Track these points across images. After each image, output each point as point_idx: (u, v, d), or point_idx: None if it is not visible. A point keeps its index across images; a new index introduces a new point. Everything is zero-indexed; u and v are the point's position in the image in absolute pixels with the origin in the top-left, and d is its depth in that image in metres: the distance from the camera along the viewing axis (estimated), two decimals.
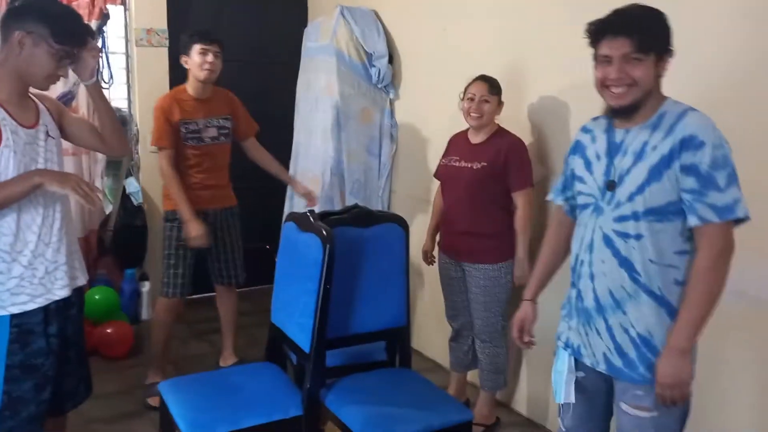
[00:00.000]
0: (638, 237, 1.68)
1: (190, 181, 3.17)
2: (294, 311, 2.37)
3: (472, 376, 3.19)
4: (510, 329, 2.11)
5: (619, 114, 1.72)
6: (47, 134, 1.99)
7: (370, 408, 2.19)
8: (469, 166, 2.83)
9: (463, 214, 2.83)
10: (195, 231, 3.06)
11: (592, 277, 1.78)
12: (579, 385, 1.87)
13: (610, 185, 1.73)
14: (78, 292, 2.12)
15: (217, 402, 2.23)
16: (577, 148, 1.89)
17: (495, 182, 2.78)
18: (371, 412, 2.17)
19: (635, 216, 1.68)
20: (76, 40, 1.93)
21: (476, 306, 2.89)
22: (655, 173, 1.65)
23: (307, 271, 2.29)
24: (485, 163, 2.79)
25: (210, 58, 3.09)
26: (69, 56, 1.93)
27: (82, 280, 2.12)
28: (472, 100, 2.82)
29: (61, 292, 2.00)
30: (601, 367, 1.78)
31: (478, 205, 2.79)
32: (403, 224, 2.51)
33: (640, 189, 1.67)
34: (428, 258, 3.16)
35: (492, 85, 2.83)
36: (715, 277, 1.64)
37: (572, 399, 1.86)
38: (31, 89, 2.00)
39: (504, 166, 2.76)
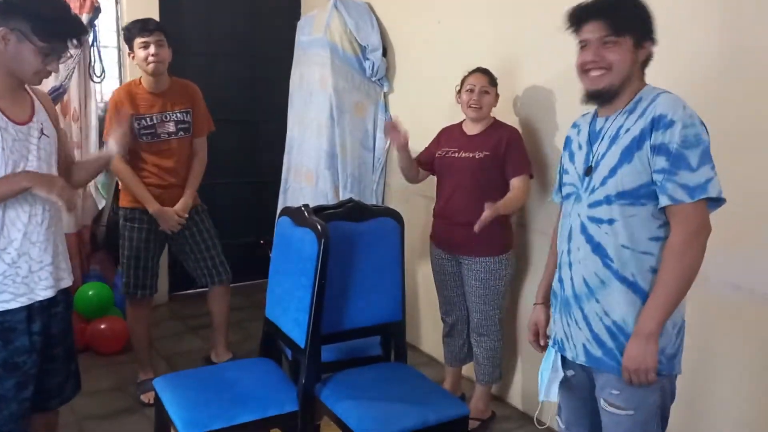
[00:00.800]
0: (611, 222, 1.67)
1: (147, 181, 3.04)
2: (289, 306, 2.36)
3: (468, 370, 3.19)
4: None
5: (594, 98, 1.72)
6: (41, 132, 1.96)
7: (366, 403, 2.18)
8: (472, 155, 2.82)
9: (465, 205, 2.81)
10: (169, 220, 3.02)
11: (570, 265, 1.77)
12: (568, 384, 1.86)
13: (588, 171, 1.74)
14: (64, 291, 2.09)
15: (212, 398, 2.22)
16: (566, 144, 1.90)
17: (496, 171, 2.79)
18: (367, 407, 2.17)
19: (608, 200, 1.67)
20: (59, 36, 1.89)
21: (474, 299, 2.88)
22: (627, 155, 1.64)
23: (301, 266, 2.27)
24: (488, 153, 2.79)
25: (152, 50, 2.94)
26: (55, 52, 1.89)
27: (67, 281, 2.09)
28: (471, 91, 2.82)
29: (44, 292, 1.97)
30: (581, 359, 1.77)
31: (480, 194, 2.77)
32: (397, 218, 2.50)
33: (612, 172, 1.67)
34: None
35: (491, 77, 2.84)
36: (688, 257, 1.60)
37: (553, 398, 1.85)
38: (42, 86, 2.02)
39: (504, 155, 2.77)
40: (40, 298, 1.97)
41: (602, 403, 1.74)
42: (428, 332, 3.68)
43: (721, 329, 2.24)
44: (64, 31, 1.90)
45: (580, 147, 1.80)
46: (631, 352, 1.63)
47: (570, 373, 1.85)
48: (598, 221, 1.69)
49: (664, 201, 1.60)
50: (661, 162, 1.59)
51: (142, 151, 3.04)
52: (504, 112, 2.95)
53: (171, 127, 3.08)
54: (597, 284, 1.70)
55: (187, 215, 3.15)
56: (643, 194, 1.64)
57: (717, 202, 1.63)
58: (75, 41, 1.94)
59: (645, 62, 1.71)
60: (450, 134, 2.99)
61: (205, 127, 3.26)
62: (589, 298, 1.72)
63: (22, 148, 1.89)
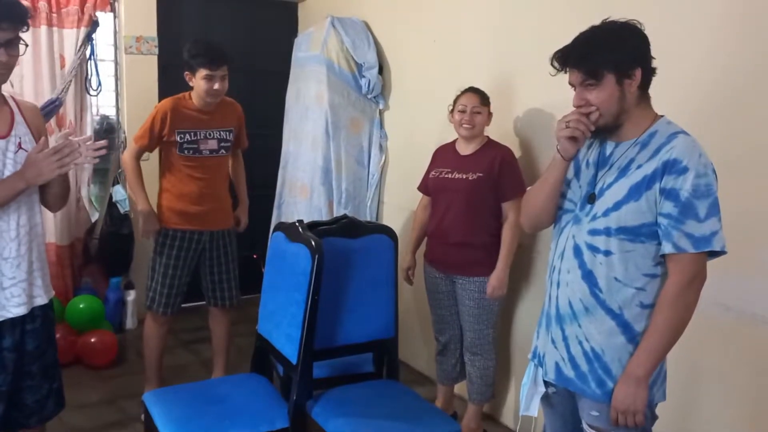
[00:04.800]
0: (607, 253, 1.67)
1: (185, 196, 3.05)
2: (281, 322, 2.35)
3: (460, 388, 3.18)
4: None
5: (596, 135, 1.72)
6: (19, 146, 1.90)
7: (357, 420, 2.18)
8: (465, 177, 2.83)
9: (458, 225, 2.82)
10: (152, 226, 3.03)
11: (558, 285, 1.78)
12: (549, 401, 1.87)
13: (591, 198, 1.72)
14: (42, 308, 2.02)
15: (202, 413, 2.21)
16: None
17: (490, 192, 2.79)
18: (358, 424, 2.16)
19: (607, 232, 1.67)
20: None
21: (468, 318, 2.88)
22: (634, 192, 1.64)
23: (295, 282, 2.27)
24: (481, 174, 2.79)
25: (216, 85, 2.93)
26: None
27: (43, 299, 2.02)
28: (463, 111, 2.83)
29: (16, 309, 1.92)
30: (550, 377, 1.78)
31: (474, 215, 2.78)
32: (392, 235, 2.50)
33: (617, 206, 1.66)
34: (409, 276, 3.12)
35: (483, 97, 2.86)
36: (682, 305, 1.61)
37: (533, 412, 1.86)
38: (9, 95, 1.94)
39: (498, 176, 2.77)
40: (11, 315, 1.91)
41: (584, 425, 1.75)
42: (421, 350, 3.67)
43: (712, 350, 2.24)
44: None
45: (587, 165, 1.77)
46: (620, 394, 1.64)
47: (552, 390, 1.85)
48: (594, 249, 1.69)
49: (667, 248, 1.60)
50: (668, 207, 1.59)
51: (182, 164, 3.05)
52: (499, 132, 2.97)
53: (214, 145, 3.08)
54: (581, 310, 1.71)
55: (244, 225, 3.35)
56: (644, 233, 1.64)
57: (718, 253, 1.63)
58: (12, 23, 1.81)
59: (644, 86, 1.68)
60: (444, 154, 3.00)
61: (243, 144, 3.33)
62: (572, 321, 1.73)
63: None
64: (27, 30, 1.89)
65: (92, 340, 3.59)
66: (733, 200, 2.12)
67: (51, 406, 2.11)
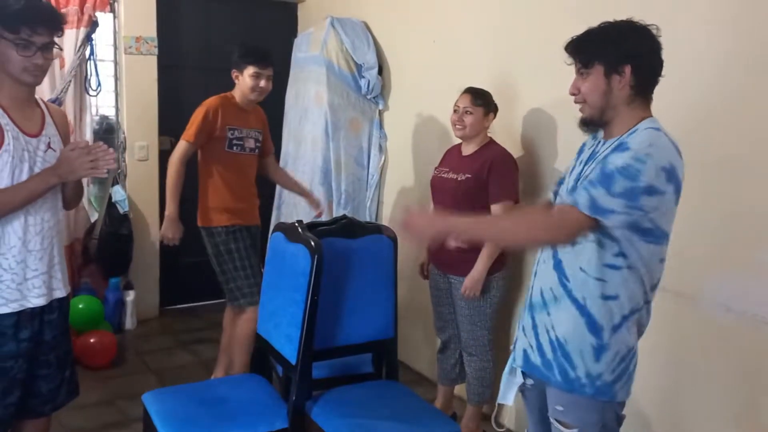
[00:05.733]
0: (573, 243, 1.68)
1: (233, 192, 3.15)
2: (281, 322, 2.35)
3: (460, 390, 3.17)
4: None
5: (584, 125, 1.76)
6: (48, 146, 2.01)
7: (357, 421, 2.17)
8: (455, 177, 2.84)
9: None
10: (176, 233, 3.07)
11: (536, 275, 1.82)
12: (525, 394, 1.90)
13: (573, 190, 1.74)
14: (60, 300, 2.11)
15: (201, 414, 2.21)
16: (578, 152, 1.89)
17: (479, 194, 2.77)
18: (357, 425, 2.15)
19: None
20: (24, 22, 1.87)
21: (462, 319, 2.88)
22: None
23: (294, 282, 2.27)
24: (469, 175, 2.79)
25: (263, 83, 3.10)
26: (33, 44, 1.88)
27: (62, 291, 2.10)
28: (456, 112, 2.84)
29: (36, 300, 2.00)
30: (518, 363, 1.81)
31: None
32: (391, 235, 2.50)
33: None
34: (424, 271, 3.13)
35: (476, 97, 2.83)
36: (523, 227, 1.70)
37: (508, 401, 1.88)
38: (40, 99, 2.05)
39: (486, 178, 2.76)
40: (32, 306, 1.99)
41: (552, 420, 1.77)
42: (420, 350, 3.66)
43: (711, 351, 2.24)
44: (28, 18, 1.88)
45: (579, 163, 1.80)
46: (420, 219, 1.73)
47: (530, 382, 1.86)
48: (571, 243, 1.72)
49: (568, 201, 1.61)
50: (593, 174, 1.61)
51: (228, 161, 3.15)
52: (501, 133, 2.97)
53: (252, 144, 3.23)
54: (551, 299, 1.74)
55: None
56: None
57: (599, 228, 1.60)
58: (49, 28, 1.92)
59: (639, 87, 1.67)
60: (449, 154, 3.01)
61: (271, 149, 3.46)
62: (542, 309, 1.76)
63: (29, 159, 1.95)
64: (62, 35, 2.01)
65: (91, 340, 3.58)
66: (732, 201, 2.13)
67: (64, 394, 2.18)
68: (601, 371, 1.67)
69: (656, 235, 1.63)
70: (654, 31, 1.66)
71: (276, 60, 4.50)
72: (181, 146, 3.08)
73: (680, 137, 1.67)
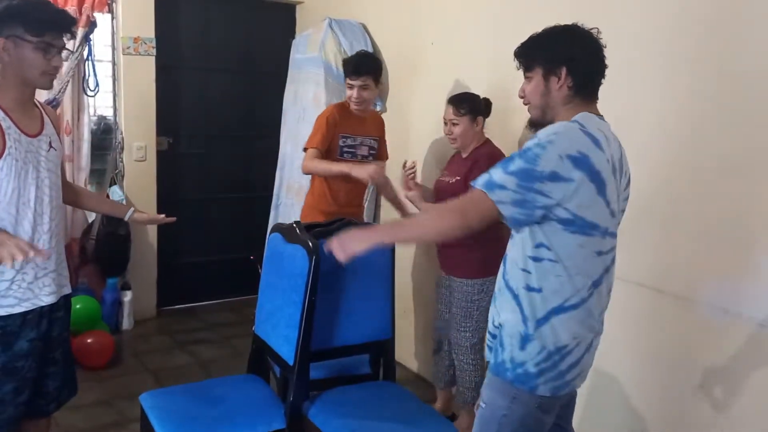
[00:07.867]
0: (512, 236, 1.74)
1: (340, 199, 3.19)
2: (278, 323, 2.36)
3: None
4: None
5: (530, 125, 1.83)
6: (50, 145, 2.04)
7: (354, 422, 2.18)
8: (448, 180, 2.87)
9: None
10: (368, 172, 2.95)
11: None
12: None
13: None
14: (65, 297, 2.15)
15: (199, 414, 2.21)
16: None
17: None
18: (355, 425, 2.16)
19: None
20: (51, 26, 1.92)
21: (452, 320, 2.92)
22: None
23: (292, 283, 2.28)
24: (459, 178, 2.82)
25: (354, 93, 3.12)
26: (53, 46, 1.93)
27: (68, 288, 2.16)
28: (446, 124, 2.88)
29: (47, 298, 2.03)
30: (484, 353, 1.89)
31: None
32: None
33: None
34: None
35: (458, 107, 2.83)
36: (435, 217, 1.74)
37: None
38: (38, 99, 2.06)
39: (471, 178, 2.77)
40: (43, 304, 2.02)
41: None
42: (418, 351, 3.67)
43: (711, 352, 2.25)
44: (55, 23, 1.94)
45: None
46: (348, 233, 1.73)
47: None
48: (512, 235, 1.77)
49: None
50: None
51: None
52: (499, 135, 2.97)
53: (365, 151, 3.27)
54: (498, 290, 1.79)
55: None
56: None
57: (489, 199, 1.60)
58: (70, 32, 1.99)
59: (578, 88, 1.70)
60: (452, 158, 3.04)
61: (386, 157, 3.44)
62: (494, 299, 1.81)
63: (33, 159, 1.96)
64: (72, 39, 2.05)
65: (89, 340, 3.58)
66: (731, 204, 2.14)
67: (66, 392, 2.20)
68: (524, 360, 1.69)
69: (579, 225, 1.62)
70: (594, 34, 1.73)
71: (274, 61, 4.56)
72: (310, 153, 3.08)
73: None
